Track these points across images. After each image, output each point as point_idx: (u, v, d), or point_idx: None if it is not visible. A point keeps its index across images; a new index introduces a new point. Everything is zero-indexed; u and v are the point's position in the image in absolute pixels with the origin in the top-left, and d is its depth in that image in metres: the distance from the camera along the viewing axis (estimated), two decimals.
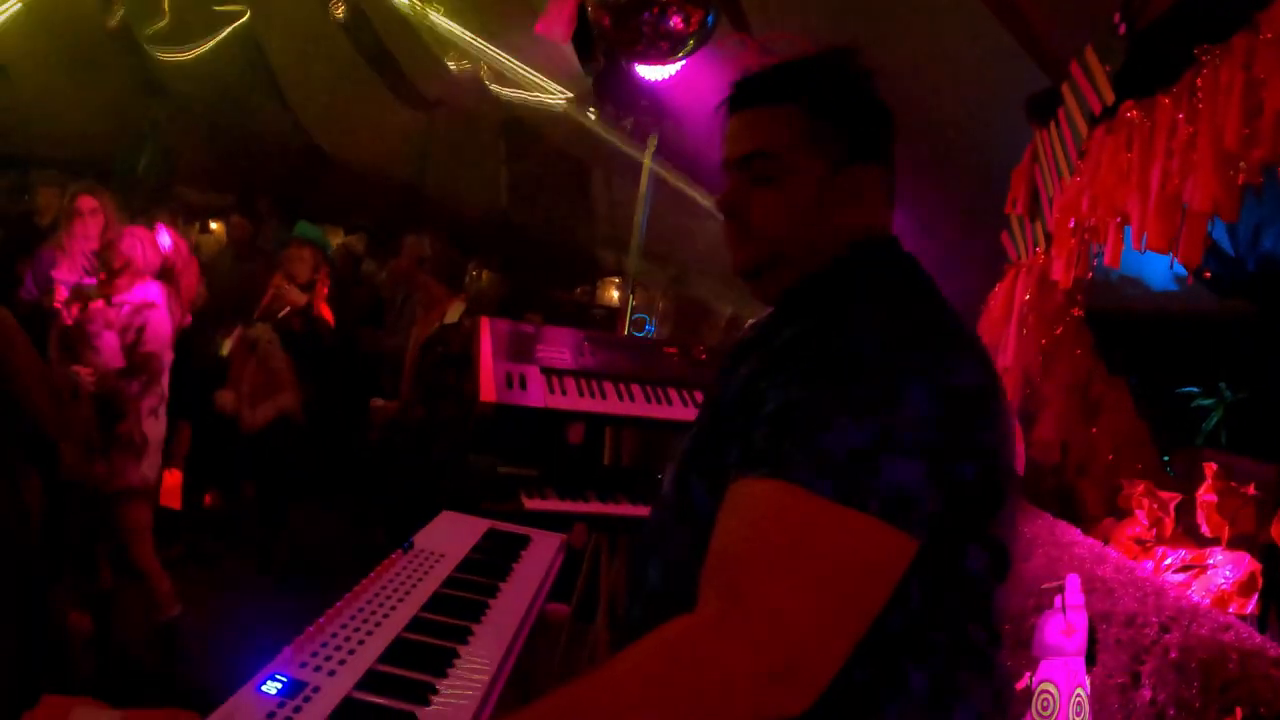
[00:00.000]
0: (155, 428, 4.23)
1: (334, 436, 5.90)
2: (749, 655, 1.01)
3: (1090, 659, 2.71)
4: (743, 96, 1.40)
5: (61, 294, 4.84)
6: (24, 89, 8.63)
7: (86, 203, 4.92)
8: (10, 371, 3.51)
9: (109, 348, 4.09)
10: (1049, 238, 3.23)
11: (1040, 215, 3.40)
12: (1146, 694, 2.45)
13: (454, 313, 4.96)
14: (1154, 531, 3.03)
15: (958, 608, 1.22)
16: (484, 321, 3.11)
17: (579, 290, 9.02)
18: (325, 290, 5.69)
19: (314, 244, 5.70)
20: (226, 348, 5.66)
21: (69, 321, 4.18)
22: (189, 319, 4.54)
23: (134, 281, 4.20)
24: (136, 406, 4.14)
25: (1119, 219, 2.64)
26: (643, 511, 2.98)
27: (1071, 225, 2.94)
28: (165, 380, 4.29)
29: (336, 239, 8.90)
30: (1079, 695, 2.69)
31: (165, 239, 4.46)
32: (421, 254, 5.24)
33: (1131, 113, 2.69)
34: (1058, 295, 3.27)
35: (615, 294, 8.70)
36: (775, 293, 1.40)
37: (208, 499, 6.09)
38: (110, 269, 4.20)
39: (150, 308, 4.18)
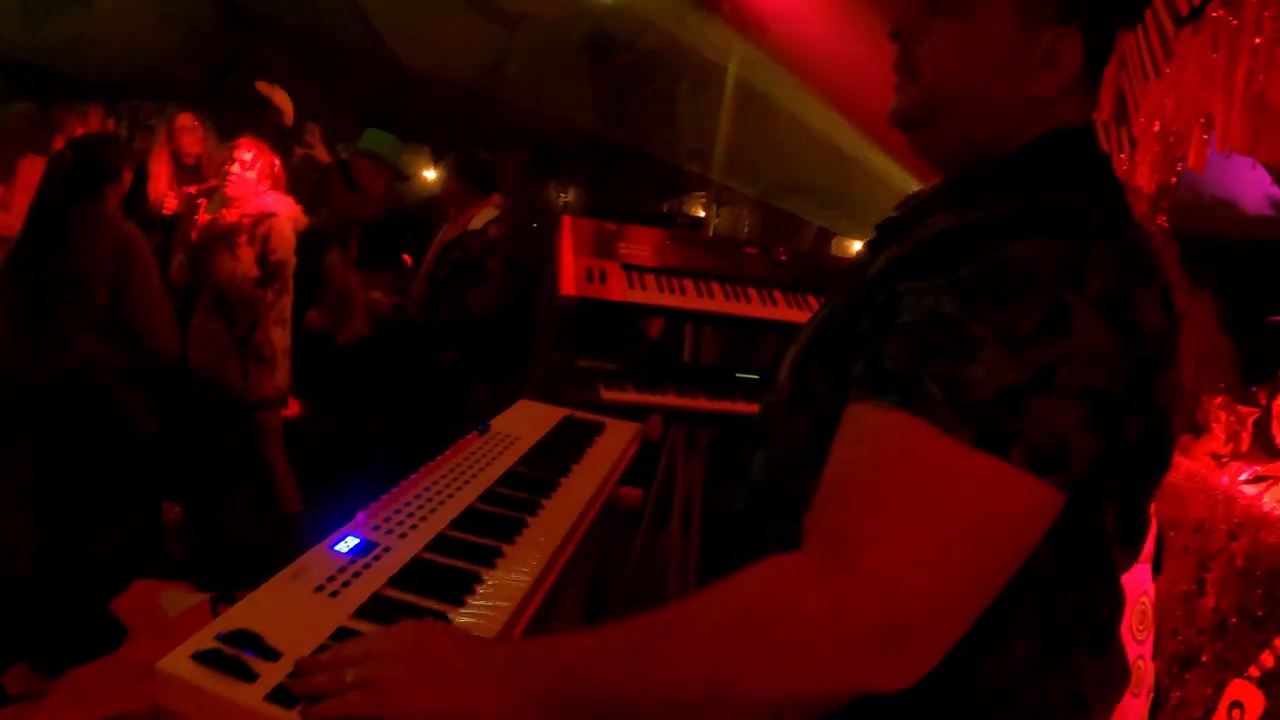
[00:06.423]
0: (282, 337, 4.34)
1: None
2: (849, 619, 0.85)
3: (1157, 567, 2.71)
4: None
5: (171, 204, 5.02)
6: (105, 18, 8.71)
7: (185, 119, 5.19)
8: (137, 296, 3.68)
9: (246, 257, 4.20)
10: (1134, 143, 3.16)
11: (1126, 121, 3.33)
12: (1210, 601, 2.45)
13: (481, 218, 4.77)
14: (1230, 447, 3.00)
15: (1085, 575, 1.06)
16: (566, 219, 3.14)
17: (665, 205, 8.97)
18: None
19: (377, 156, 5.40)
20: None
21: (207, 230, 4.29)
22: (304, 223, 4.56)
23: (252, 192, 4.29)
24: (267, 317, 4.25)
25: (1203, 119, 2.58)
26: (721, 408, 3.04)
27: (1156, 129, 2.88)
28: (291, 290, 4.38)
29: (423, 157, 8.98)
30: (1143, 603, 2.70)
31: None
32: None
33: (1218, 11, 2.61)
34: (1142, 203, 3.21)
35: (701, 210, 8.72)
36: (933, 151, 1.17)
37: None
38: (224, 180, 4.28)
39: (272, 217, 4.26)
